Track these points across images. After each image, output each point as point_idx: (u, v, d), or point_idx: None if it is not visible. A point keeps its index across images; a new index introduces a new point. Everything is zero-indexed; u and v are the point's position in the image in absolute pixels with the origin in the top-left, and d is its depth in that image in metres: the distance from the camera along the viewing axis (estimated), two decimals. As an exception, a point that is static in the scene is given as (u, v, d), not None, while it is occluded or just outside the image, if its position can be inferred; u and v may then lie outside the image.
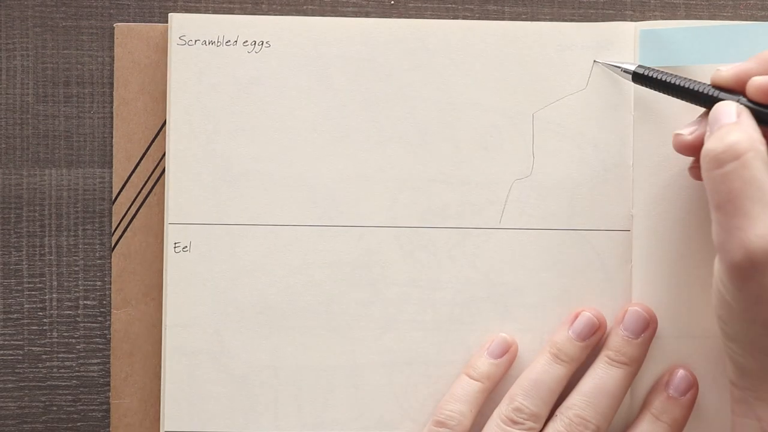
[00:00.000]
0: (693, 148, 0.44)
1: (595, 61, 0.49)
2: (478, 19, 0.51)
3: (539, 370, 0.47)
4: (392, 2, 0.51)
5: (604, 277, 0.49)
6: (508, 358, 0.49)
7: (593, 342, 0.48)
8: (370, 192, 0.49)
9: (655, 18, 0.51)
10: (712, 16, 0.51)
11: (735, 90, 0.43)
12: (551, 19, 0.51)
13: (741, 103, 0.42)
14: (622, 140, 0.49)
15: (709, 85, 0.44)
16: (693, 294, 0.49)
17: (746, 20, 0.51)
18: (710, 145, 0.40)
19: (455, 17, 0.51)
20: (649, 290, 0.49)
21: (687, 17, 0.51)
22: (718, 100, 0.43)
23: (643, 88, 0.48)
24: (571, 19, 0.51)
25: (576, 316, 0.48)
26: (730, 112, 0.42)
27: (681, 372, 0.48)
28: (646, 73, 0.47)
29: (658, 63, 0.48)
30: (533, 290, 0.49)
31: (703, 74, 0.47)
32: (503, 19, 0.51)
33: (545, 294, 0.49)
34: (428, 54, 0.50)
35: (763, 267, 0.38)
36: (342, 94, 0.49)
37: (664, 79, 0.46)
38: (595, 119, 0.49)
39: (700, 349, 0.48)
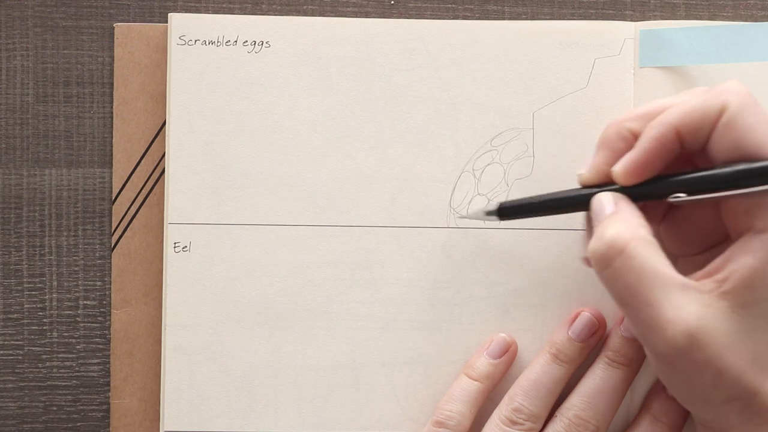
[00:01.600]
0: None
1: (459, 216, 0.49)
2: (478, 19, 0.51)
3: (539, 371, 0.47)
4: (392, 2, 0.51)
5: (604, 277, 0.49)
6: (507, 359, 0.49)
7: (593, 342, 0.48)
8: (370, 192, 0.49)
9: (655, 18, 0.51)
10: (712, 16, 0.51)
11: (604, 184, 0.43)
12: (551, 19, 0.51)
13: (616, 190, 0.42)
14: (622, 140, 0.49)
15: (579, 188, 0.44)
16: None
17: (746, 20, 0.51)
18: (592, 246, 0.40)
19: (455, 17, 0.51)
20: (649, 290, 0.49)
21: (687, 17, 0.51)
22: (589, 197, 0.43)
23: (645, 83, 0.47)
24: (571, 18, 0.51)
25: (576, 317, 0.48)
26: (607, 202, 0.42)
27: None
28: (509, 206, 0.46)
29: (658, 63, 0.48)
30: (533, 290, 0.49)
31: (703, 74, 0.48)
32: (503, 19, 0.51)
33: (545, 294, 0.49)
34: (428, 54, 0.50)
35: (688, 348, 0.38)
36: (342, 94, 0.49)
37: (530, 202, 0.45)
38: (595, 119, 0.49)
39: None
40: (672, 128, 0.41)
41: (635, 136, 0.42)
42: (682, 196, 0.41)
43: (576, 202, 0.44)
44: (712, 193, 0.40)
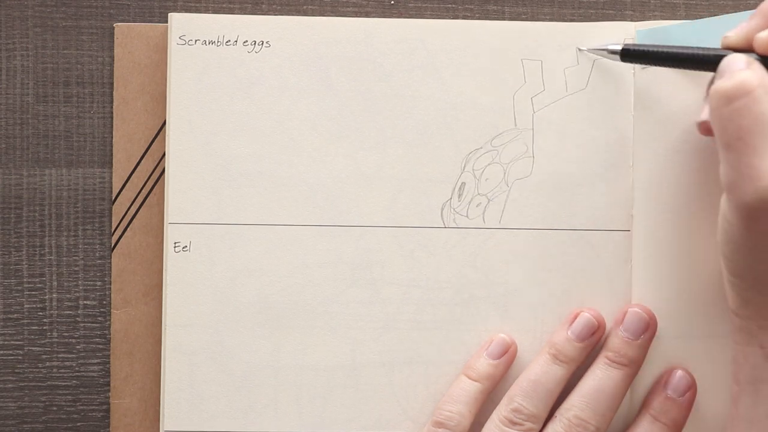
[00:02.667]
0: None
1: (578, 48, 0.49)
2: (478, 19, 0.51)
3: (538, 371, 0.47)
4: (392, 2, 0.51)
5: (604, 277, 0.49)
6: (507, 359, 0.48)
7: (592, 342, 0.48)
8: (370, 192, 0.49)
9: (655, 18, 0.51)
10: (712, 16, 0.51)
11: (746, 51, 0.42)
12: (551, 19, 0.51)
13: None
14: (622, 140, 0.49)
15: (714, 48, 0.43)
16: (693, 294, 0.48)
17: (746, 20, 0.51)
18: (720, 84, 0.40)
19: (455, 17, 0.51)
20: (649, 290, 0.49)
21: (687, 17, 0.51)
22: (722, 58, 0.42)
23: (645, 83, 0.47)
24: (571, 19, 0.51)
25: (575, 317, 0.48)
26: (739, 61, 0.41)
27: (679, 372, 0.48)
28: (635, 49, 0.46)
29: (658, 63, 0.48)
30: (533, 290, 0.49)
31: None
32: (503, 19, 0.51)
33: (545, 294, 0.49)
34: (428, 54, 0.50)
35: None
36: (342, 94, 0.49)
37: (658, 50, 0.45)
38: (595, 119, 0.49)
39: (699, 349, 0.48)
40: None
41: None
42: None
43: (708, 59, 0.43)
44: None
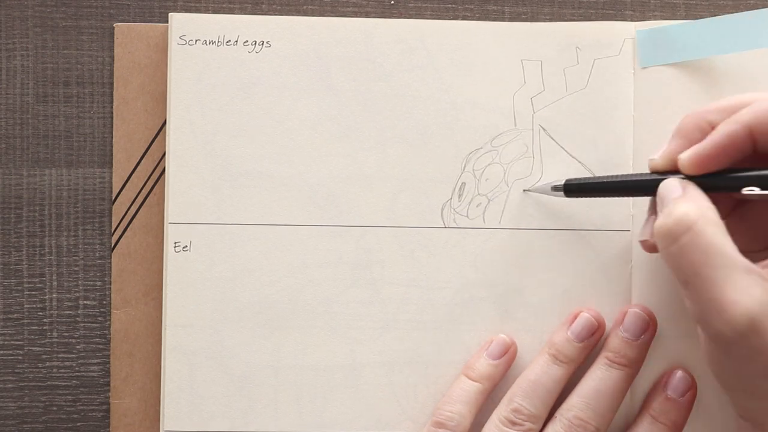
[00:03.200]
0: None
1: (524, 190, 0.49)
2: (478, 19, 0.51)
3: (538, 371, 0.47)
4: (392, 2, 0.51)
5: (604, 277, 0.49)
6: (507, 359, 0.48)
7: (592, 343, 0.48)
8: (370, 192, 0.49)
9: (655, 18, 0.51)
10: (712, 16, 0.51)
11: (673, 172, 0.43)
12: (551, 19, 0.51)
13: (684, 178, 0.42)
14: (622, 140, 0.49)
15: (647, 173, 0.44)
16: (693, 294, 0.48)
17: (746, 20, 0.51)
18: (660, 222, 0.40)
19: (455, 17, 0.51)
20: (649, 290, 0.49)
21: (687, 17, 0.51)
22: (657, 183, 0.43)
23: (645, 83, 0.48)
24: (571, 19, 0.51)
25: (575, 317, 0.48)
26: (675, 187, 0.42)
27: (679, 373, 0.48)
28: (575, 184, 0.46)
29: (658, 61, 0.49)
30: (533, 290, 0.49)
31: (705, 68, 0.48)
32: (503, 19, 0.51)
33: (545, 294, 0.49)
34: (428, 54, 0.50)
35: (747, 332, 0.38)
36: (342, 94, 0.49)
37: (597, 183, 0.46)
38: (595, 119, 0.49)
39: (699, 350, 0.48)
40: (746, 127, 0.41)
41: (712, 128, 0.42)
42: (756, 190, 0.41)
43: (644, 186, 0.44)
44: None
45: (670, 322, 0.48)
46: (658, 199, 0.43)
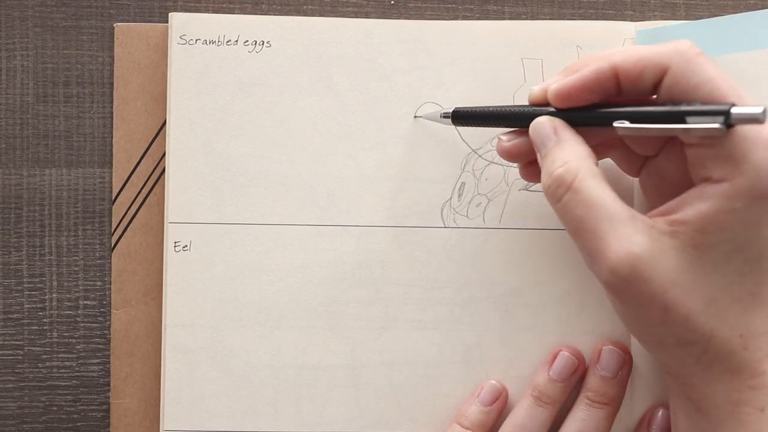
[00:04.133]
0: (512, 155, 0.44)
1: (415, 116, 0.49)
2: (478, 19, 0.51)
3: (523, 415, 0.47)
4: (392, 2, 0.51)
5: (604, 277, 0.49)
6: (499, 405, 0.48)
7: (574, 381, 0.48)
8: (370, 192, 0.49)
9: (655, 18, 0.51)
10: (712, 16, 0.51)
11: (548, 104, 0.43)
12: (551, 19, 0.51)
13: (556, 116, 0.42)
14: (622, 140, 0.49)
15: (527, 105, 0.44)
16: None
17: (746, 20, 0.51)
18: (543, 183, 0.41)
19: (455, 17, 0.51)
20: (649, 290, 0.49)
21: (687, 17, 0.51)
22: (534, 116, 0.43)
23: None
24: (571, 18, 0.51)
25: (554, 357, 0.48)
26: (546, 131, 0.42)
27: (662, 411, 0.48)
28: (463, 111, 0.46)
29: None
30: (533, 290, 0.49)
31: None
32: (503, 19, 0.51)
33: (545, 294, 0.49)
34: (428, 54, 0.50)
35: (631, 278, 0.38)
36: (342, 94, 0.49)
37: (481, 111, 0.46)
38: (595, 119, 0.49)
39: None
40: (611, 66, 0.41)
41: None
42: (626, 124, 0.40)
43: (521, 117, 0.44)
44: (653, 124, 0.40)
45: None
46: (532, 137, 0.42)
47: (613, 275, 0.38)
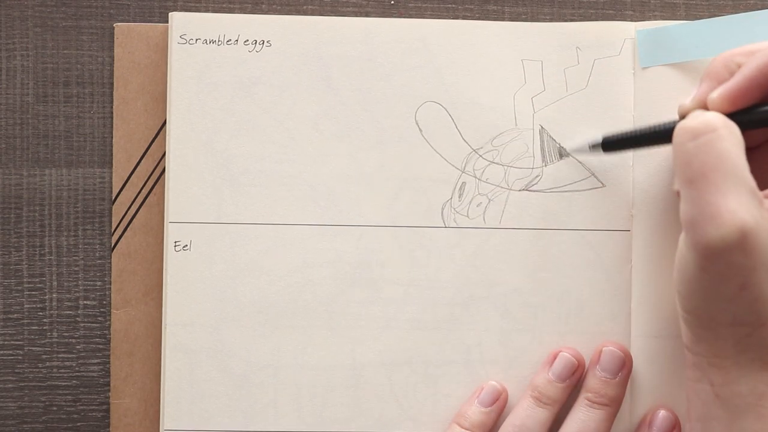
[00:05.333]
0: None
1: (560, 154, 0.49)
2: (478, 19, 0.51)
3: (523, 416, 0.47)
4: (392, 2, 0.51)
5: (604, 277, 0.49)
6: (498, 406, 0.48)
7: (574, 382, 0.48)
8: (370, 191, 0.49)
9: (655, 18, 0.51)
10: (712, 16, 0.51)
11: None
12: (551, 19, 0.51)
13: None
14: (622, 140, 0.49)
15: (670, 121, 0.44)
16: (693, 294, 0.48)
17: (746, 20, 0.51)
18: (686, 122, 0.40)
19: (455, 17, 0.51)
20: (648, 290, 0.49)
21: (687, 17, 0.51)
22: None
23: (645, 83, 0.48)
24: (571, 19, 0.51)
25: (554, 357, 0.48)
26: (699, 112, 0.42)
27: (662, 413, 0.48)
28: (613, 138, 0.46)
29: (658, 62, 0.49)
30: (533, 290, 0.49)
31: (704, 69, 0.47)
32: (503, 19, 0.51)
33: (545, 294, 0.49)
34: (428, 54, 0.50)
35: (733, 245, 0.38)
36: (342, 94, 0.49)
37: (633, 134, 0.45)
38: (596, 119, 0.49)
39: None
40: None
41: None
42: None
43: (661, 134, 0.44)
44: None
45: (670, 322, 0.48)
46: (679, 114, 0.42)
47: (719, 236, 0.38)
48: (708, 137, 0.39)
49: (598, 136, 0.47)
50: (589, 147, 0.47)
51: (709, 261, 0.38)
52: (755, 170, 0.43)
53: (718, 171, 0.38)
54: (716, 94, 0.41)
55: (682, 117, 0.43)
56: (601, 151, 0.47)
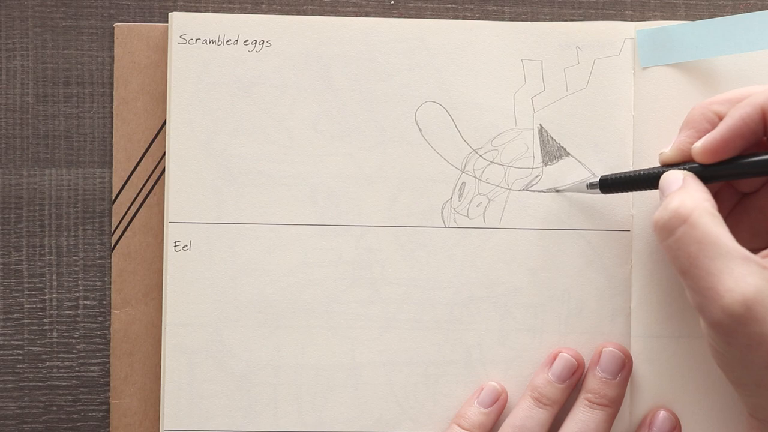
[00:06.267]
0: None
1: (556, 190, 0.49)
2: (478, 19, 0.51)
3: (523, 416, 0.47)
4: (392, 2, 0.51)
5: (604, 277, 0.49)
6: (498, 407, 0.48)
7: (573, 382, 0.48)
8: (370, 191, 0.49)
9: (655, 18, 0.51)
10: (712, 16, 0.51)
11: (684, 162, 0.44)
12: (551, 19, 0.51)
13: (689, 169, 0.43)
14: (622, 140, 0.49)
15: (659, 167, 0.45)
16: (693, 294, 0.48)
17: (746, 20, 0.51)
18: (657, 216, 0.41)
19: (455, 17, 0.51)
20: (648, 290, 0.49)
21: (687, 17, 0.51)
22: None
23: (645, 83, 0.48)
24: (571, 19, 0.51)
25: (554, 358, 0.48)
26: (675, 179, 0.42)
27: (663, 413, 0.48)
28: (611, 179, 0.47)
29: (658, 62, 0.49)
30: (533, 290, 0.49)
31: (704, 69, 0.48)
32: (503, 19, 0.51)
33: (545, 294, 0.49)
34: (428, 54, 0.50)
35: (744, 319, 0.38)
36: (342, 94, 0.49)
37: (630, 176, 0.46)
38: (596, 119, 0.49)
39: (699, 350, 0.48)
40: (758, 108, 0.41)
41: (720, 119, 0.43)
42: None
43: (651, 179, 0.44)
44: None
45: (670, 322, 0.48)
46: (659, 191, 0.43)
47: (727, 315, 0.38)
48: (682, 230, 0.40)
49: (595, 177, 0.48)
50: (587, 186, 0.48)
51: (729, 336, 0.39)
52: (755, 214, 0.44)
53: (704, 257, 0.39)
54: (699, 146, 0.42)
55: (663, 165, 0.44)
56: (599, 191, 0.47)
